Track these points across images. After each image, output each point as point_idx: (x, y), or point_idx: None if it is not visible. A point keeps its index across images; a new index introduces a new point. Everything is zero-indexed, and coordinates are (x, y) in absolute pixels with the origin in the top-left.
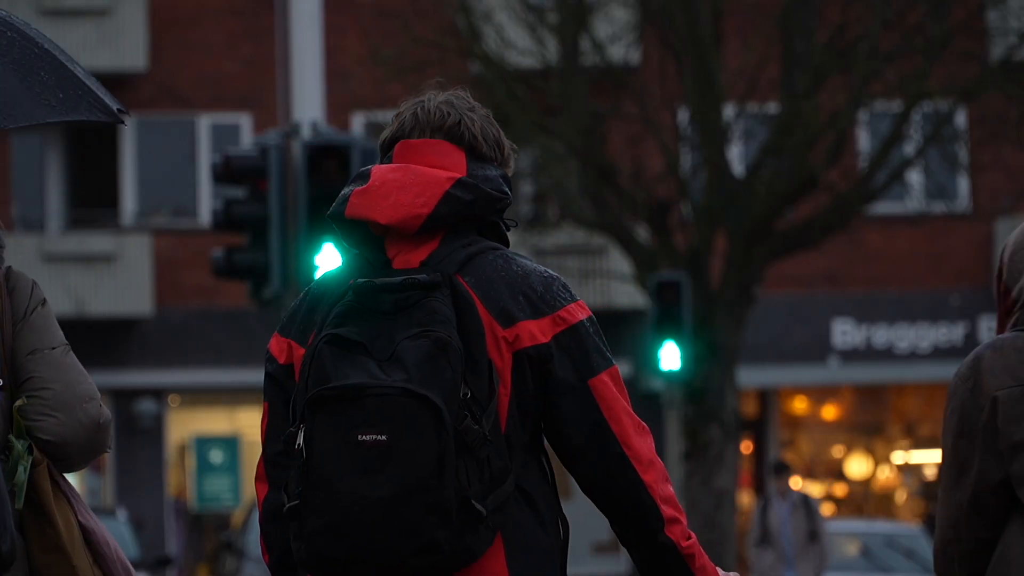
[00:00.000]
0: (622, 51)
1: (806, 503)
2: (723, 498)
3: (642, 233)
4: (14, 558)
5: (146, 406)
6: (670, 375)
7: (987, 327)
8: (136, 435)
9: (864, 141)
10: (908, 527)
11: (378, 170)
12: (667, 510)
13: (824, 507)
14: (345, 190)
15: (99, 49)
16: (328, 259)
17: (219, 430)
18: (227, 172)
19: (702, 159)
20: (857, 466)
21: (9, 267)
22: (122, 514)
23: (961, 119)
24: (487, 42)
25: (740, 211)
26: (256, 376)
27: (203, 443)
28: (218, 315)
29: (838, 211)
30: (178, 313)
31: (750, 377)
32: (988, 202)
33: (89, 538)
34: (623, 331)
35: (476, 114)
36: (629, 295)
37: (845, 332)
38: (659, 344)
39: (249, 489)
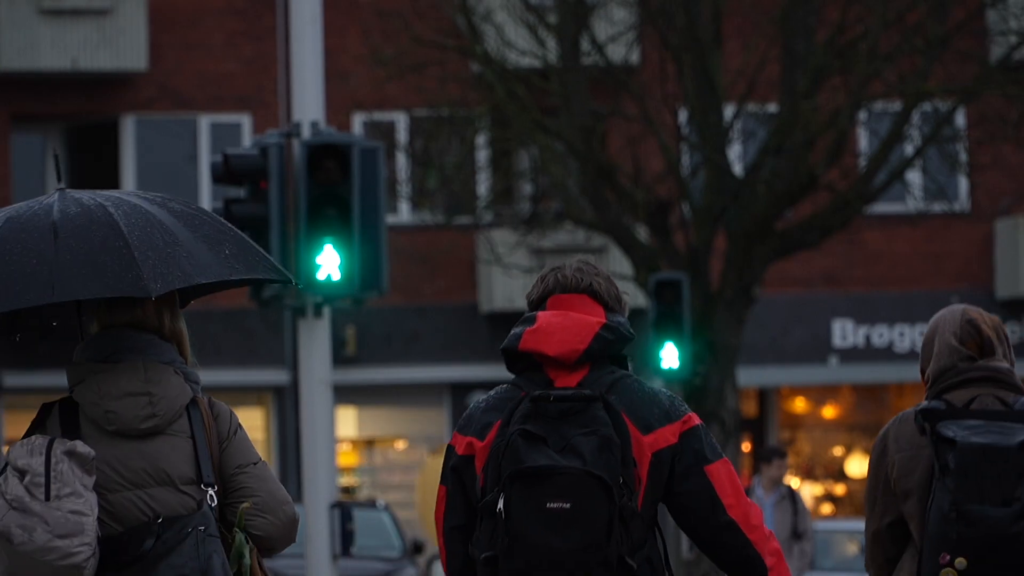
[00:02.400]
0: (622, 51)
1: (792, 497)
2: None
3: (642, 233)
4: None
5: None
6: (670, 375)
7: None
8: None
9: (864, 141)
10: None
11: (543, 315)
12: (770, 560)
13: (824, 507)
14: (516, 330)
15: (99, 49)
16: (328, 259)
17: None
18: (227, 172)
19: (702, 159)
20: (857, 466)
21: (210, 397)
22: None
23: (961, 119)
24: (487, 42)
25: (740, 211)
26: (256, 376)
27: None
28: (218, 315)
29: (838, 211)
30: None
31: (750, 377)
32: (988, 202)
33: None
34: None
35: (601, 277)
36: (629, 295)
37: (845, 332)
38: (659, 344)
39: None
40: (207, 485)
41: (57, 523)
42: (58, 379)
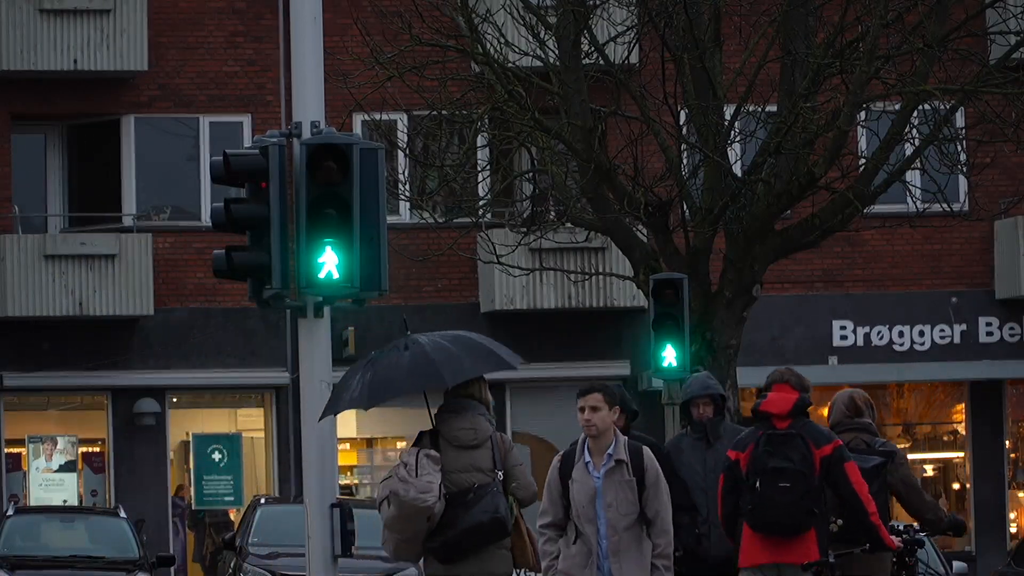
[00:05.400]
0: (622, 51)
1: None
2: None
3: (642, 233)
4: (508, 533)
5: (147, 405)
6: (670, 375)
7: (986, 327)
8: (137, 434)
9: (863, 141)
10: (908, 525)
11: (771, 394)
12: (870, 508)
13: None
14: (759, 400)
15: (99, 49)
16: (328, 259)
17: (220, 429)
18: (227, 172)
19: (702, 159)
20: None
21: (501, 433)
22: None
23: (960, 119)
24: (487, 42)
25: (740, 211)
26: (256, 376)
27: (204, 442)
28: (218, 315)
29: (838, 211)
30: (178, 313)
31: (750, 377)
32: (988, 202)
33: (530, 537)
34: (623, 331)
35: (794, 376)
36: (629, 295)
37: (845, 332)
38: (659, 344)
39: (249, 488)
40: (497, 470)
41: (420, 486)
42: (55, 380)
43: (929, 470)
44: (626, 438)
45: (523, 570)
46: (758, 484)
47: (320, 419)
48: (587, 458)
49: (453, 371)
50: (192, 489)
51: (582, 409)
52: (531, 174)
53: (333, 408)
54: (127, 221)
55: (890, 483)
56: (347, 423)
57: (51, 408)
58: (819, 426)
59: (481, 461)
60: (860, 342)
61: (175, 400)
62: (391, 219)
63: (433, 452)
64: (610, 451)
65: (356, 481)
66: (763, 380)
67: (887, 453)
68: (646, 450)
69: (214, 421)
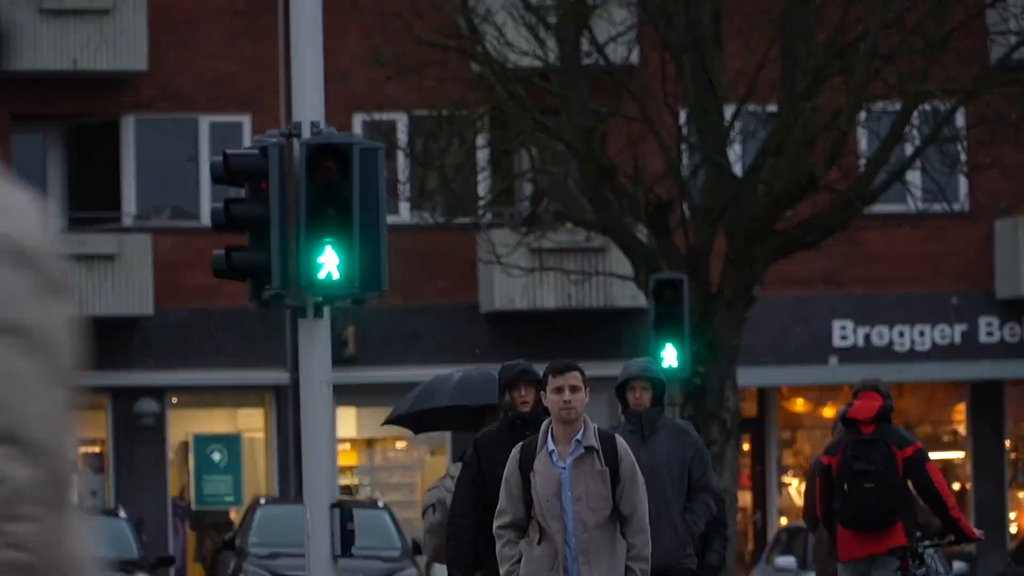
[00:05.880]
0: (622, 51)
1: None
2: (723, 497)
3: (642, 233)
4: None
5: (147, 406)
6: (670, 374)
7: (986, 327)
8: (137, 435)
9: (864, 141)
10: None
11: (856, 402)
12: (951, 503)
13: None
14: (843, 409)
15: (100, 49)
16: (328, 259)
17: (219, 430)
18: (227, 172)
19: (702, 159)
20: None
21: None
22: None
23: (961, 119)
24: (487, 42)
25: (740, 211)
26: (256, 376)
27: (203, 442)
28: (218, 315)
29: (838, 211)
30: (178, 313)
31: (750, 377)
32: (988, 202)
33: None
34: (623, 331)
35: (881, 383)
36: (629, 295)
37: (845, 332)
38: (659, 344)
39: (249, 488)
40: None
41: None
42: None
43: None
44: (596, 425)
45: None
46: (846, 487)
47: (383, 424)
48: (551, 446)
49: (486, 394)
50: (192, 489)
51: (559, 389)
52: (531, 174)
53: (389, 418)
54: (127, 221)
55: None
56: (347, 423)
57: None
58: (900, 429)
59: None
60: (860, 342)
61: (175, 400)
62: (391, 219)
63: None
64: (578, 437)
65: (356, 481)
66: (763, 380)
67: None
68: (619, 438)
69: (214, 421)
